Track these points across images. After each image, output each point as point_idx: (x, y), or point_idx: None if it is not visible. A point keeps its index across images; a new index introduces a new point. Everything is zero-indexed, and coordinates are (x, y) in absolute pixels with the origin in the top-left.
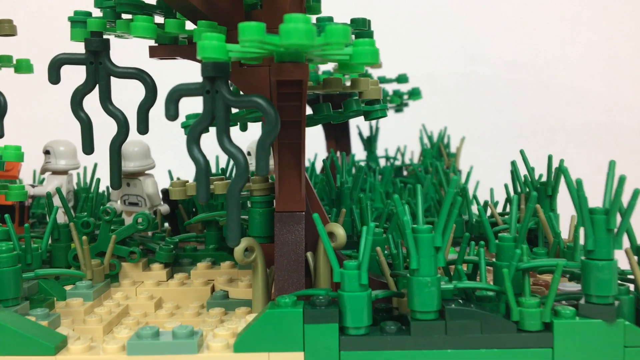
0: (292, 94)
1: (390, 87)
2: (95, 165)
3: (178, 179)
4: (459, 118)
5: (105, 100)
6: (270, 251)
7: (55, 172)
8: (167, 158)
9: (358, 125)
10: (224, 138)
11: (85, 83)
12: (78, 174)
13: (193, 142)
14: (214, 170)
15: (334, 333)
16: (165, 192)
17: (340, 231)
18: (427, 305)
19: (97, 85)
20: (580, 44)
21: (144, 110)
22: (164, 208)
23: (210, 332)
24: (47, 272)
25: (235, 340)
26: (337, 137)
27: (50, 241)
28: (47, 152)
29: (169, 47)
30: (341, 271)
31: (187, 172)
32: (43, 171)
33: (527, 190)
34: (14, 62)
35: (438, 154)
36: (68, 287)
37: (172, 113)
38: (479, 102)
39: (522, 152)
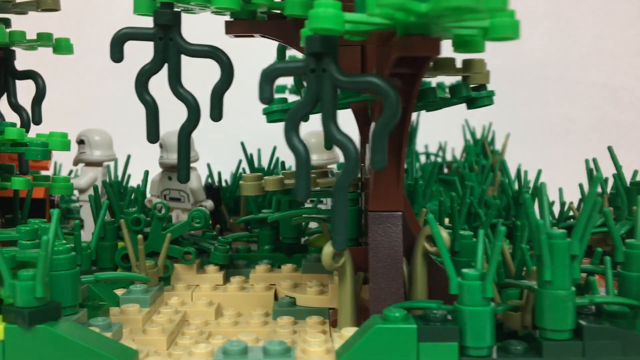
0: (406, 75)
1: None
2: (129, 157)
3: (243, 172)
4: (497, 114)
5: (175, 81)
6: (357, 255)
7: (90, 164)
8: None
9: None
10: (331, 125)
11: (152, 62)
12: (108, 167)
13: (293, 130)
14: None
15: (452, 353)
16: (209, 187)
17: (443, 234)
18: (562, 323)
19: (166, 65)
20: (613, 40)
21: (219, 94)
22: (209, 204)
23: (300, 348)
24: (108, 275)
25: (340, 358)
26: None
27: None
28: (81, 142)
29: (246, 22)
30: (460, 282)
31: (226, 165)
32: (76, 162)
33: (613, 190)
34: (53, 41)
35: (482, 151)
36: (117, 291)
37: (267, 95)
38: (511, 98)
39: (610, 149)
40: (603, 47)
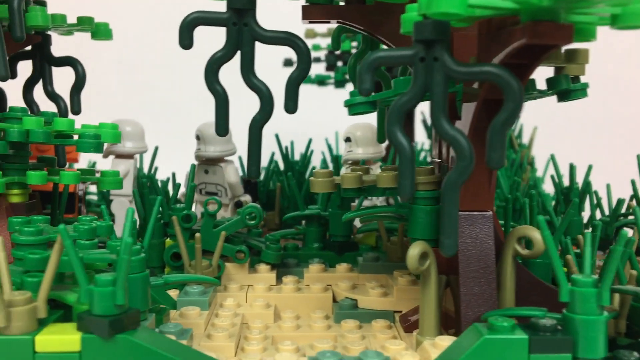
0: (516, 65)
1: None
2: (156, 149)
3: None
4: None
5: (248, 70)
6: (438, 257)
7: (120, 156)
8: None
9: (422, 112)
10: (442, 119)
11: (224, 49)
12: (141, 157)
13: (397, 124)
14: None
15: None
16: (247, 182)
17: (537, 236)
18: None
19: (240, 52)
20: None
21: (295, 84)
22: (247, 198)
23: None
24: (178, 278)
25: None
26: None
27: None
28: None
29: (324, 7)
30: (571, 289)
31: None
32: (107, 154)
33: None
34: (94, 25)
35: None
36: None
37: (367, 85)
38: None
39: None
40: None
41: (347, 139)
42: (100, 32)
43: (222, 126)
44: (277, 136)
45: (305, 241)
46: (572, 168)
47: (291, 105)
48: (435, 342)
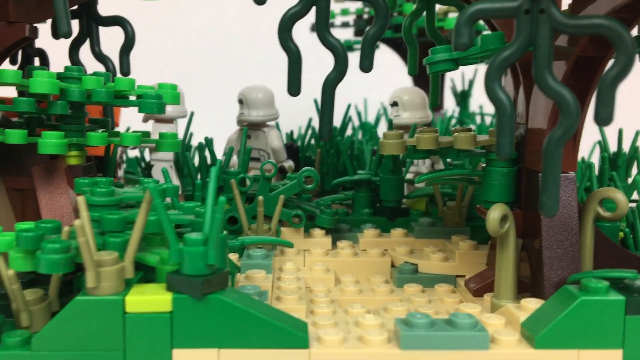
0: (623, 20)
1: None
2: (192, 113)
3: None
4: None
5: (324, 27)
6: (517, 220)
7: (160, 120)
8: None
9: (452, 79)
10: (547, 74)
11: (299, 4)
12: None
13: (496, 80)
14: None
15: None
16: (289, 147)
17: (620, 197)
18: None
19: (315, 8)
20: None
21: (372, 41)
22: (290, 164)
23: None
24: (253, 240)
25: (538, 335)
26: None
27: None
28: None
29: None
30: None
31: (295, 122)
32: (146, 119)
33: None
34: None
35: None
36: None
37: (465, 40)
38: None
39: None
40: None
41: (394, 103)
42: None
43: (295, 86)
44: (315, 102)
45: (354, 207)
46: (620, 133)
47: (367, 64)
48: (522, 305)
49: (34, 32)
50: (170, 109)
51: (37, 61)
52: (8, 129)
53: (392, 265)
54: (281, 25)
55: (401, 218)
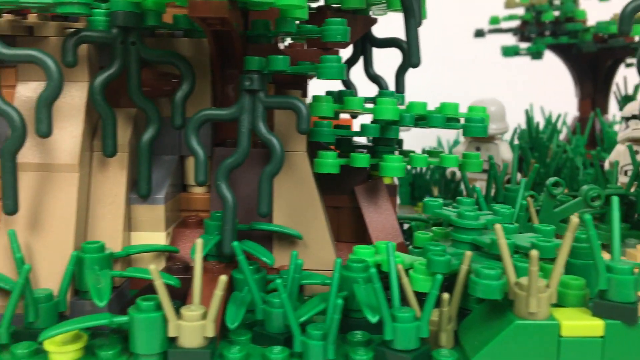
0: None
1: None
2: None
3: None
4: None
5: None
6: None
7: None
8: None
9: (617, 83)
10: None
11: None
12: None
13: None
14: None
15: None
16: (521, 159)
17: None
18: None
19: None
20: None
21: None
22: (518, 177)
23: None
24: None
25: None
26: (595, 96)
27: None
28: None
29: None
30: None
31: None
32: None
33: None
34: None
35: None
36: None
37: (627, 29)
38: None
39: None
40: None
41: (635, 117)
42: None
43: None
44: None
45: (604, 220)
46: None
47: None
48: None
49: None
50: (494, 127)
51: None
52: (354, 153)
53: None
54: None
55: None
